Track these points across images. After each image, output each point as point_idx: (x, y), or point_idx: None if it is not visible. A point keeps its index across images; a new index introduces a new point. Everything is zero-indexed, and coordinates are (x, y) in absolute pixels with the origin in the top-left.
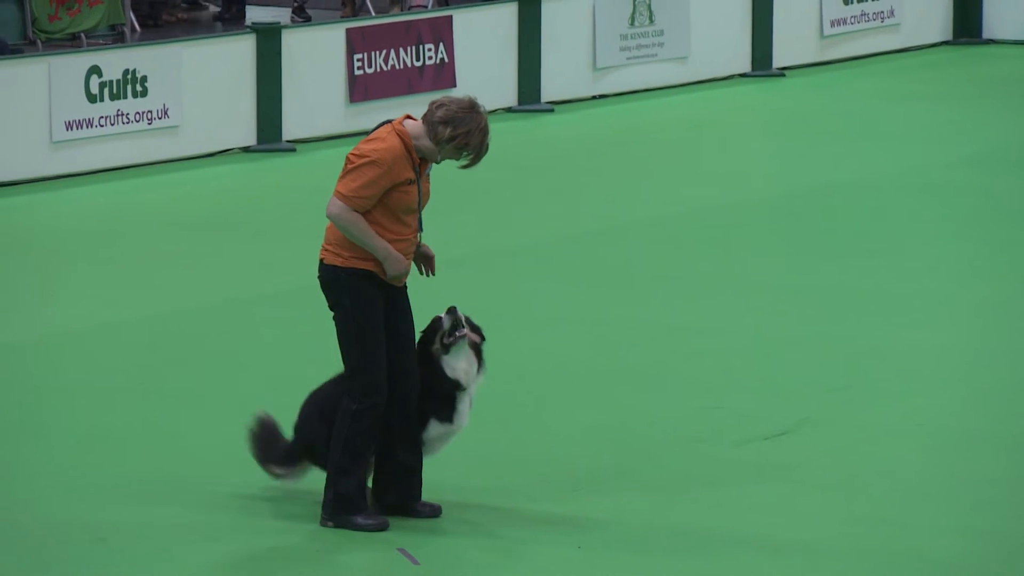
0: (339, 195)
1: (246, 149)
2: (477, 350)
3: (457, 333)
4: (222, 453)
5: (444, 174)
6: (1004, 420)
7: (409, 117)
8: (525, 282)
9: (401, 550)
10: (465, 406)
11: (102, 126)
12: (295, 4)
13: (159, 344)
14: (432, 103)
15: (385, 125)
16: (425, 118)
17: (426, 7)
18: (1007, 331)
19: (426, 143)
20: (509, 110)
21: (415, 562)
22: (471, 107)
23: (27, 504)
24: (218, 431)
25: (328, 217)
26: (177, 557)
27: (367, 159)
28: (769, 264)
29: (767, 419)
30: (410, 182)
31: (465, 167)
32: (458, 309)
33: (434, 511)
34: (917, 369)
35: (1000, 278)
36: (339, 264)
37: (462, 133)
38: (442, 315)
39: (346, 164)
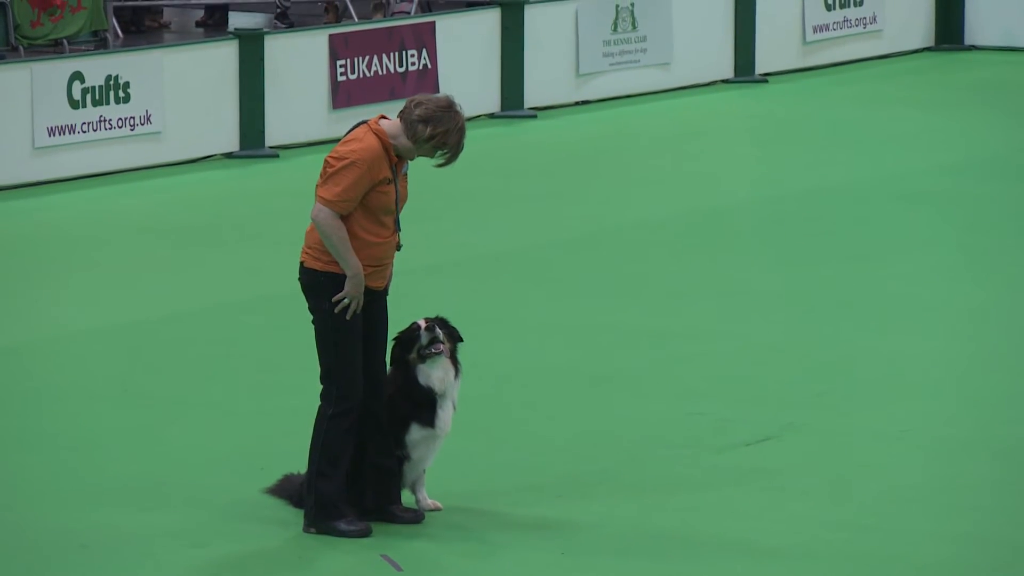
0: (323, 200)
1: (229, 155)
2: (453, 357)
3: (433, 349)
4: (205, 458)
5: (427, 179)
6: (989, 426)
7: (384, 117)
8: (508, 287)
9: (384, 556)
10: (446, 412)
11: (84, 132)
12: (278, 10)
13: (142, 350)
14: (410, 101)
15: (361, 126)
16: (403, 116)
17: (409, 13)
18: (991, 337)
19: (403, 141)
20: (492, 116)
21: (398, 568)
22: (449, 106)
23: (9, 509)
24: (202, 436)
25: (312, 220)
26: (160, 563)
27: (347, 161)
28: (753, 270)
29: (750, 425)
30: (388, 181)
31: (440, 166)
32: (436, 324)
33: (416, 517)
34: (901, 375)
35: (984, 285)
36: (318, 268)
37: (441, 132)
38: (420, 321)
39: (325, 167)
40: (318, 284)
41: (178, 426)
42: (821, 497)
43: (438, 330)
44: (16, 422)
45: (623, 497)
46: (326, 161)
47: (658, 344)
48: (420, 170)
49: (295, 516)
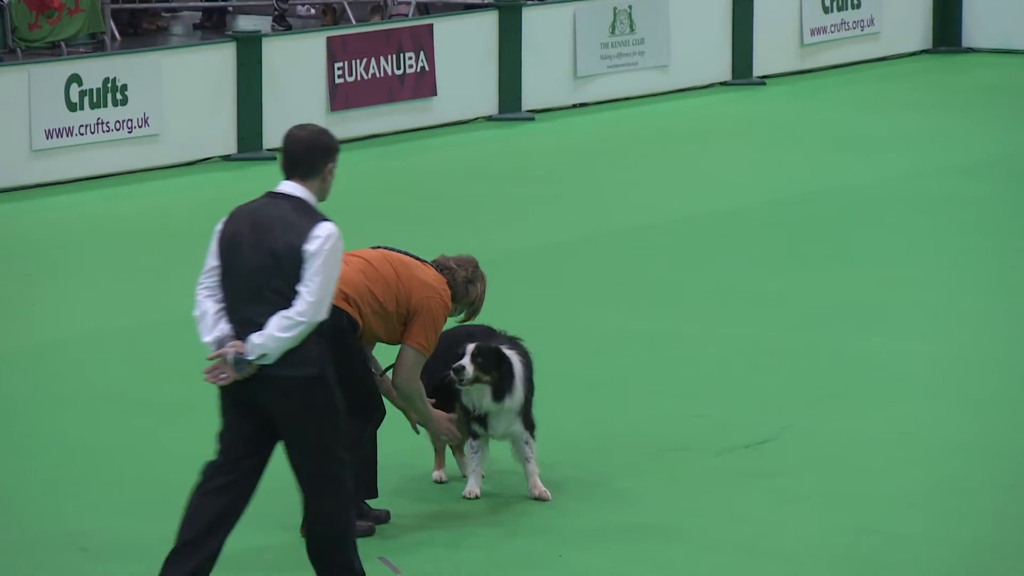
0: (421, 347)
1: (226, 157)
2: (495, 384)
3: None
4: (203, 463)
5: (424, 182)
6: (989, 430)
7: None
8: (506, 290)
9: (382, 558)
10: (499, 422)
11: (82, 134)
12: (275, 13)
13: (140, 354)
14: (446, 267)
15: (425, 264)
16: (446, 281)
17: (407, 16)
18: (992, 340)
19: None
20: (490, 118)
21: (396, 571)
22: (478, 264)
23: (8, 513)
24: (200, 441)
25: (407, 382)
26: (158, 566)
27: (444, 309)
28: (751, 273)
29: (749, 427)
30: None
31: (463, 320)
32: (475, 355)
33: (386, 516)
34: (901, 378)
35: (984, 287)
36: (347, 311)
37: (483, 288)
38: (467, 350)
39: (424, 316)
40: (340, 326)
41: (177, 430)
42: (820, 500)
43: (459, 371)
44: (15, 426)
45: (621, 500)
46: (427, 305)
47: (656, 346)
48: (417, 172)
49: (294, 519)
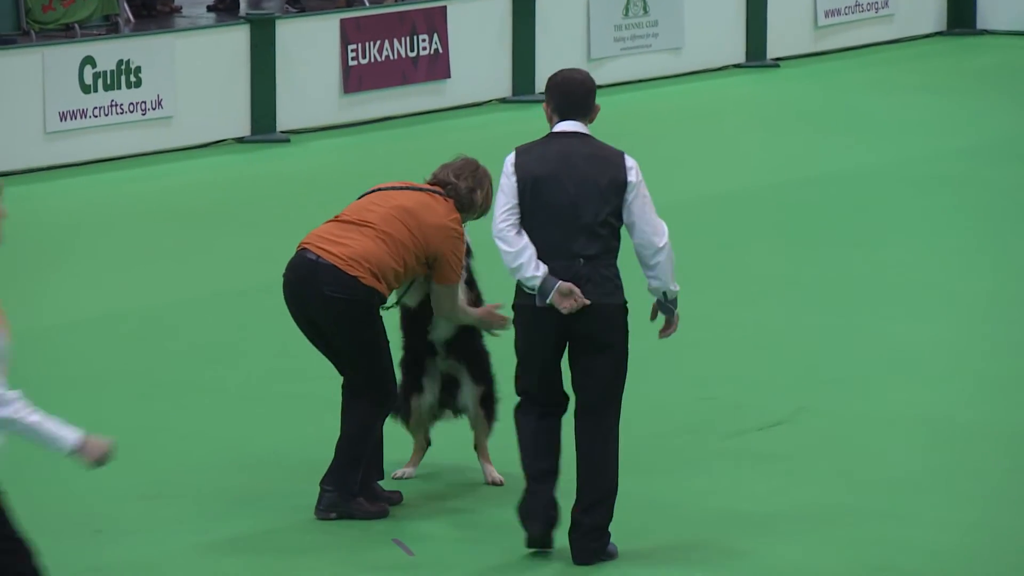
0: (451, 282)
1: (240, 140)
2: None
3: None
4: (215, 445)
5: (438, 164)
6: (1002, 412)
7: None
8: None
9: (396, 541)
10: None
11: (96, 116)
12: None
13: (152, 336)
14: (447, 182)
15: (434, 195)
16: (448, 194)
17: None
18: (1004, 323)
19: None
20: (503, 101)
21: (410, 553)
22: (478, 164)
23: (22, 495)
24: (211, 424)
25: (450, 313)
26: (171, 548)
27: (459, 234)
28: (764, 255)
29: (761, 410)
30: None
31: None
32: None
33: (398, 497)
34: (914, 360)
35: (997, 270)
36: (378, 289)
37: (488, 191)
38: None
39: (447, 255)
40: (373, 306)
41: (188, 413)
42: (833, 482)
43: None
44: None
45: (632, 482)
46: (448, 249)
47: None
48: (430, 155)
49: (307, 501)
